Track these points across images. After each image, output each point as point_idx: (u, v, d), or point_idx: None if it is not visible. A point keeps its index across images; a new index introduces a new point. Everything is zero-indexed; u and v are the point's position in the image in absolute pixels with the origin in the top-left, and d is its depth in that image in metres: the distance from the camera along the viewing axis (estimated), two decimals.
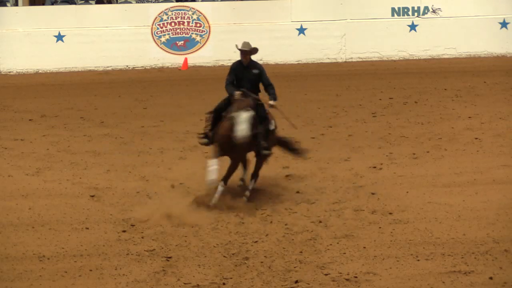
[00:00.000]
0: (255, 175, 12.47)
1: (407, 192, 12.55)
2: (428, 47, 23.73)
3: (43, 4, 24.80)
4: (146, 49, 23.62)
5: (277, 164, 12.73)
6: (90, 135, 16.54)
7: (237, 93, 12.19)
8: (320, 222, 11.46)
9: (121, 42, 23.49)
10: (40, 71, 23.46)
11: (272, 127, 12.35)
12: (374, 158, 14.41)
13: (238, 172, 12.68)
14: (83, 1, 24.70)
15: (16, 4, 24.58)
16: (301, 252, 10.52)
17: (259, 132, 11.99)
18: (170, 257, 10.46)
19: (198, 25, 23.77)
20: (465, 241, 10.67)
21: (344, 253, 10.44)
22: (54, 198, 12.68)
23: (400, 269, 9.97)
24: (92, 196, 12.76)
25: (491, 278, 9.67)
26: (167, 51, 23.74)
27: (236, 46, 12.41)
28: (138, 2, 24.53)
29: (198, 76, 22.45)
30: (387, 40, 23.64)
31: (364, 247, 10.59)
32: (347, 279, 9.75)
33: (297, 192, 12.60)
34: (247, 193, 12.28)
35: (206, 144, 12.48)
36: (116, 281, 9.88)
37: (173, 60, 23.69)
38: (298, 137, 14.74)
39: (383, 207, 11.92)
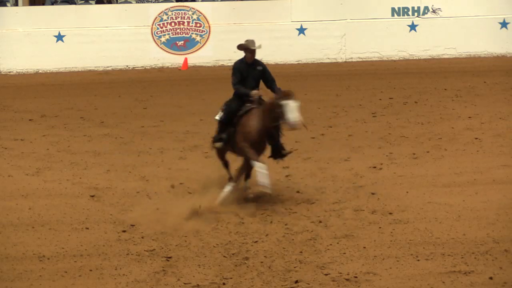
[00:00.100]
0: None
1: (407, 192, 12.55)
2: (428, 47, 23.74)
3: (43, 4, 24.80)
4: (146, 49, 23.63)
5: (277, 164, 12.72)
6: (90, 135, 16.54)
7: (254, 92, 12.22)
8: (320, 222, 11.46)
9: (121, 42, 23.49)
10: (40, 71, 23.47)
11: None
12: (374, 158, 14.41)
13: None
14: (83, 1, 24.71)
15: (16, 4, 24.59)
16: (301, 252, 10.52)
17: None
18: (170, 257, 10.46)
19: (198, 25, 23.77)
20: (465, 241, 10.67)
21: (344, 253, 10.44)
22: (54, 198, 12.68)
23: (400, 269, 9.97)
24: (92, 196, 12.76)
25: (491, 278, 9.67)
26: (167, 51, 23.74)
27: (245, 44, 12.34)
28: (138, 2, 24.53)
29: (198, 76, 22.45)
30: (387, 40, 23.65)
31: (364, 247, 10.59)
32: (347, 279, 9.75)
33: (297, 192, 12.60)
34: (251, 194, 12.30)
35: (221, 147, 12.38)
36: (116, 281, 9.88)
37: (173, 60, 23.69)
38: (298, 137, 14.77)
39: (383, 207, 11.92)
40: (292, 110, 11.84)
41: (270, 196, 11.98)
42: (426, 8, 23.82)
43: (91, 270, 10.15)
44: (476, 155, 14.39)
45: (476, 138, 15.35)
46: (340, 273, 9.90)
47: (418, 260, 10.17)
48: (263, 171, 11.81)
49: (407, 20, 23.79)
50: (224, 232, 11.22)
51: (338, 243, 10.75)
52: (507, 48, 23.60)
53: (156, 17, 23.74)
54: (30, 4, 25.27)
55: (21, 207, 12.26)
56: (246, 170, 12.33)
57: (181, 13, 23.83)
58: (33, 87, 21.59)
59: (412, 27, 23.75)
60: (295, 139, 13.96)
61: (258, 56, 12.63)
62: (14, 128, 17.24)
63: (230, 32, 23.15)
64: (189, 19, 23.81)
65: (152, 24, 23.72)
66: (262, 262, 10.27)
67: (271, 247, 10.69)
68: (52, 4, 24.41)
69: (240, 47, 12.42)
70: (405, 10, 23.83)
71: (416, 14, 23.83)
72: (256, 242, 10.87)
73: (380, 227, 11.20)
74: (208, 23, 23.74)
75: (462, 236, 10.82)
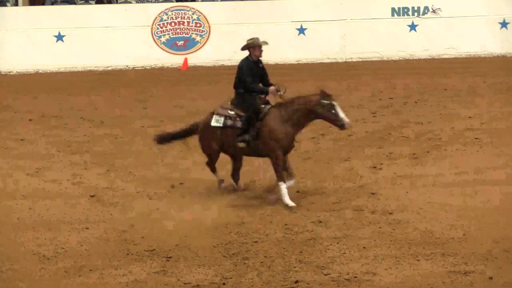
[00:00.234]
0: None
1: (407, 192, 12.54)
2: (428, 47, 23.74)
3: (43, 4, 24.81)
4: (146, 49, 23.63)
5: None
6: (90, 135, 16.54)
7: (272, 88, 12.28)
8: (320, 222, 11.46)
9: (121, 42, 23.50)
10: (40, 71, 23.47)
11: None
12: (374, 158, 14.40)
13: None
14: (83, 1, 24.71)
15: (16, 4, 24.60)
16: (301, 252, 10.51)
17: None
18: (170, 257, 10.46)
19: (198, 25, 23.77)
20: (465, 241, 10.66)
21: (344, 253, 10.43)
22: (54, 198, 12.67)
23: (400, 269, 9.96)
24: (92, 196, 12.75)
25: (491, 278, 9.67)
26: (167, 51, 23.75)
27: (254, 42, 12.34)
28: (138, 2, 24.54)
29: (198, 76, 22.44)
30: (387, 40, 23.65)
31: (364, 247, 10.58)
32: (347, 279, 9.75)
33: (297, 192, 12.59)
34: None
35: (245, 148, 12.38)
36: (116, 281, 9.87)
37: (173, 60, 23.70)
38: (298, 137, 14.76)
39: (383, 207, 11.92)
40: (341, 110, 12.06)
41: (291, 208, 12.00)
42: (426, 8, 23.82)
43: (91, 270, 10.14)
44: (476, 155, 14.38)
45: (476, 138, 15.34)
46: (340, 273, 9.90)
47: (418, 260, 10.17)
48: (286, 191, 11.99)
49: (407, 20, 23.79)
50: (224, 232, 11.22)
51: (338, 243, 10.74)
52: (507, 48, 23.60)
53: (156, 17, 23.74)
54: (30, 4, 25.28)
55: (21, 207, 12.26)
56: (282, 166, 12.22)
57: (181, 13, 23.83)
58: (33, 87, 21.59)
59: (412, 27, 23.76)
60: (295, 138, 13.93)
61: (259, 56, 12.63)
62: (14, 128, 17.24)
63: (230, 32, 23.15)
64: (189, 19, 23.81)
65: (152, 24, 23.73)
66: (262, 262, 10.27)
67: (271, 247, 10.69)
68: (52, 4, 24.42)
69: (247, 45, 12.38)
70: (405, 10, 23.84)
71: (416, 14, 23.83)
72: (256, 242, 10.87)
73: (380, 227, 11.20)
74: (208, 23, 23.74)
75: (462, 236, 10.82)
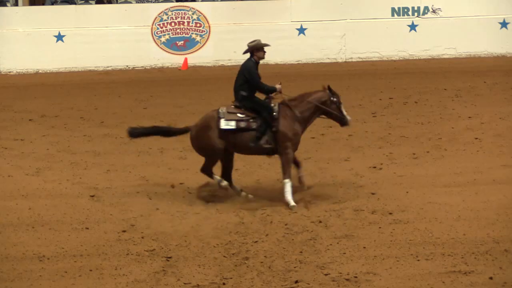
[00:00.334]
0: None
1: (407, 192, 12.55)
2: (428, 47, 23.75)
3: (43, 4, 24.82)
4: (146, 49, 23.64)
5: (277, 164, 12.72)
6: (90, 135, 16.54)
7: (279, 86, 12.42)
8: (320, 222, 11.46)
9: (121, 42, 23.50)
10: (40, 71, 23.48)
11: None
12: (374, 158, 14.41)
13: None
14: (83, 1, 24.72)
15: (16, 4, 24.61)
16: (301, 252, 10.52)
17: None
18: (170, 257, 10.46)
19: (198, 25, 23.77)
20: (465, 241, 10.67)
21: (344, 253, 10.44)
22: (54, 198, 12.68)
23: (400, 269, 9.97)
24: (92, 196, 12.76)
25: (491, 278, 9.67)
26: (167, 51, 23.75)
27: (260, 44, 12.40)
28: (138, 2, 24.54)
29: (198, 76, 22.45)
30: (387, 40, 23.66)
31: (364, 247, 10.59)
32: (347, 279, 9.75)
33: (297, 192, 12.59)
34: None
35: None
36: (116, 281, 9.88)
37: (173, 60, 23.70)
38: None
39: (383, 207, 11.92)
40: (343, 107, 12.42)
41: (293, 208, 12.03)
42: (426, 8, 23.83)
43: (91, 270, 10.15)
44: (476, 155, 14.39)
45: (476, 138, 15.35)
46: (340, 273, 9.90)
47: (418, 260, 10.17)
48: (290, 189, 12.09)
49: (407, 20, 23.80)
50: (224, 232, 11.22)
51: (338, 243, 10.75)
52: (507, 48, 23.61)
53: (156, 17, 23.75)
54: (30, 4, 25.29)
55: (21, 207, 12.26)
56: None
57: (181, 13, 23.83)
58: (33, 87, 21.60)
59: (412, 27, 23.76)
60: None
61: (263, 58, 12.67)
62: (14, 128, 17.25)
63: (230, 32, 23.16)
64: (189, 19, 23.81)
65: (152, 24, 23.73)
66: (262, 262, 10.27)
67: (271, 247, 10.69)
68: (52, 4, 24.43)
69: (252, 48, 12.39)
70: (405, 10, 23.85)
71: (416, 14, 23.84)
72: (256, 242, 10.87)
73: (380, 227, 11.20)
74: (208, 23, 23.75)
75: (462, 236, 10.82)
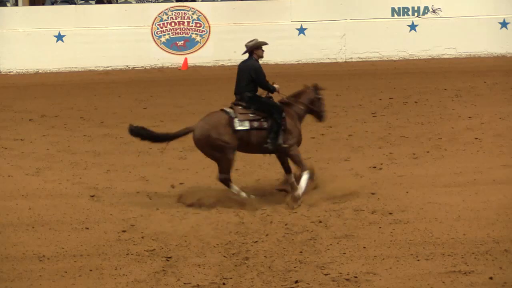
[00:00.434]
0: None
1: (407, 192, 12.55)
2: (428, 47, 23.76)
3: (43, 4, 24.82)
4: (146, 49, 23.65)
5: (277, 163, 12.72)
6: (90, 135, 16.54)
7: (278, 86, 12.54)
8: (320, 222, 11.46)
9: (121, 42, 23.51)
10: (40, 71, 23.49)
11: None
12: (374, 158, 14.40)
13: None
14: (83, 1, 24.73)
15: (16, 4, 24.62)
16: (301, 252, 10.52)
17: None
18: (170, 257, 10.46)
19: (198, 25, 23.78)
20: (465, 241, 10.66)
21: (344, 253, 10.43)
22: (54, 198, 12.67)
23: (400, 269, 9.96)
24: (92, 196, 12.76)
25: (491, 278, 9.67)
26: (167, 51, 23.76)
27: (259, 43, 12.43)
28: (138, 2, 24.55)
29: (198, 76, 22.46)
30: (387, 40, 23.67)
31: (364, 247, 10.59)
32: (347, 279, 9.75)
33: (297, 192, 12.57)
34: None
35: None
36: (116, 281, 9.87)
37: (173, 60, 23.71)
38: None
39: (383, 207, 11.92)
40: None
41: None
42: (426, 8, 23.84)
43: (91, 270, 10.15)
44: (476, 155, 14.39)
45: (476, 138, 15.35)
46: (340, 273, 9.90)
47: (418, 260, 10.17)
48: (307, 182, 12.21)
49: (407, 20, 23.81)
50: (224, 232, 11.22)
51: (338, 243, 10.75)
52: (507, 48, 23.62)
53: (156, 17, 23.75)
54: (30, 4, 25.30)
55: (21, 207, 12.25)
56: None
57: (181, 13, 23.84)
58: (33, 87, 21.60)
59: (412, 27, 23.77)
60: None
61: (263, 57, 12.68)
62: (14, 128, 17.25)
63: (230, 32, 23.16)
64: (189, 19, 23.82)
65: (152, 24, 23.74)
66: (262, 262, 10.27)
67: (271, 247, 10.69)
68: (52, 4, 24.43)
69: (254, 46, 12.40)
70: (405, 10, 23.85)
71: (416, 14, 23.84)
72: (256, 242, 10.87)
73: (380, 227, 11.20)
74: (208, 23, 23.75)
75: (462, 236, 10.82)
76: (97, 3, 24.66)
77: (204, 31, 23.74)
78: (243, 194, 12.17)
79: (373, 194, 12.49)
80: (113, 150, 15.44)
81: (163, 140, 12.51)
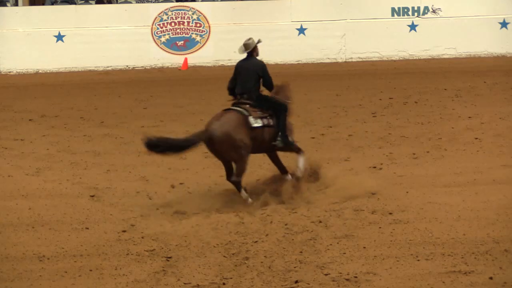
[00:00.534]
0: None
1: (407, 192, 12.54)
2: (428, 47, 23.76)
3: (43, 4, 24.82)
4: (146, 49, 23.65)
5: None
6: (90, 135, 16.54)
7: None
8: (320, 222, 11.46)
9: (121, 42, 23.51)
10: (40, 71, 23.49)
11: None
12: (374, 158, 14.40)
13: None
14: (83, 1, 24.73)
15: (16, 4, 24.62)
16: (301, 252, 10.52)
17: None
18: (170, 257, 10.46)
19: (198, 25, 23.78)
20: (465, 241, 10.66)
21: (344, 253, 10.43)
22: (54, 198, 12.67)
23: (400, 269, 9.96)
24: (92, 196, 12.75)
25: (491, 278, 9.67)
26: (167, 51, 23.76)
27: (255, 41, 12.47)
28: (138, 2, 24.55)
29: (198, 76, 22.46)
30: (387, 40, 23.67)
31: (364, 247, 10.58)
32: (347, 279, 9.74)
33: (297, 191, 12.58)
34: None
35: None
36: (116, 281, 9.87)
37: (173, 60, 23.71)
38: (299, 137, 14.76)
39: (383, 207, 11.92)
40: None
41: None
42: (426, 8, 23.84)
43: (91, 270, 10.14)
44: (476, 155, 14.39)
45: (476, 138, 15.35)
46: (340, 273, 9.90)
47: (418, 260, 10.17)
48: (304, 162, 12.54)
49: (407, 20, 23.81)
50: (224, 232, 11.22)
51: (338, 243, 10.74)
52: (507, 48, 23.62)
53: (156, 17, 23.76)
54: (30, 4, 25.30)
55: (21, 207, 12.25)
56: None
57: (181, 13, 23.84)
58: (33, 87, 21.60)
59: (412, 27, 23.77)
60: (295, 139, 13.93)
61: (259, 55, 12.68)
62: (14, 128, 17.25)
63: (230, 32, 23.16)
64: (189, 19, 23.82)
65: (152, 24, 23.74)
66: (262, 262, 10.27)
67: (271, 247, 10.69)
68: (52, 4, 24.44)
69: (255, 45, 12.45)
70: (405, 10, 23.85)
71: (416, 14, 23.85)
72: (256, 242, 10.87)
73: (380, 227, 11.20)
74: (208, 23, 23.75)
75: (462, 236, 10.82)
76: (97, 3, 24.65)
77: (204, 31, 23.74)
78: (250, 200, 12.14)
79: (373, 194, 12.48)
80: (113, 150, 15.44)
81: (184, 147, 12.15)
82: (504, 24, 23.63)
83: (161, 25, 23.73)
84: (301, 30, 23.61)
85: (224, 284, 9.74)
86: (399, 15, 23.82)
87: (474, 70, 21.87)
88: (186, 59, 23.56)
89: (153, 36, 23.70)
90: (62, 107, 19.11)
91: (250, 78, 12.27)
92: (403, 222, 11.34)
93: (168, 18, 23.77)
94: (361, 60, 23.63)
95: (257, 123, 12.14)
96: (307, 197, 12.19)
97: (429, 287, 9.55)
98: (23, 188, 13.12)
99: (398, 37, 23.70)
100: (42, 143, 15.96)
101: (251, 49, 12.39)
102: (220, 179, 13.06)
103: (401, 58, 23.73)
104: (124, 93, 20.60)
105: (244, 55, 12.48)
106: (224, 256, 10.46)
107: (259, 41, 12.54)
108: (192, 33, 23.79)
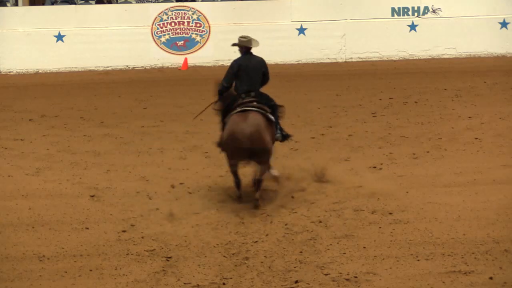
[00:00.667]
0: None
1: (407, 192, 12.54)
2: (428, 47, 23.75)
3: (43, 4, 24.81)
4: (146, 49, 23.64)
5: (277, 163, 12.73)
6: (90, 135, 16.54)
7: None
8: (320, 222, 11.46)
9: (121, 42, 23.50)
10: (40, 71, 23.47)
11: None
12: (374, 158, 14.40)
13: None
14: (83, 1, 24.72)
15: (16, 4, 24.60)
16: (301, 252, 10.52)
17: None
18: (170, 257, 10.46)
19: (198, 25, 23.77)
20: (465, 241, 10.67)
21: (344, 253, 10.44)
22: (54, 198, 12.67)
23: (400, 269, 9.97)
24: (92, 196, 12.75)
25: (491, 278, 9.67)
26: (167, 51, 23.75)
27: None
28: (138, 2, 24.54)
29: (198, 76, 22.45)
30: (387, 40, 23.66)
31: (364, 247, 10.59)
32: (347, 279, 9.75)
33: (298, 191, 12.59)
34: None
35: None
36: (116, 281, 9.88)
37: (173, 60, 23.70)
38: (299, 137, 14.77)
39: (383, 207, 11.92)
40: None
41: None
42: (426, 8, 23.83)
43: (91, 270, 10.15)
44: (476, 155, 14.39)
45: (476, 138, 15.35)
46: (340, 273, 9.90)
47: (418, 260, 10.17)
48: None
49: (407, 20, 23.80)
50: (224, 232, 11.22)
51: (338, 243, 10.75)
52: (507, 48, 23.61)
53: (156, 17, 23.75)
54: (30, 4, 25.29)
55: (21, 207, 12.25)
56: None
57: (181, 13, 23.83)
58: (33, 87, 21.59)
59: (412, 27, 23.76)
60: (295, 139, 13.95)
61: (259, 55, 12.69)
62: (14, 128, 17.24)
63: (230, 32, 23.12)
64: (189, 19, 23.81)
65: (152, 24, 23.73)
66: (262, 262, 10.27)
67: (271, 247, 10.69)
68: (52, 4, 24.42)
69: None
70: (405, 10, 23.84)
71: (416, 14, 23.84)
72: (256, 242, 10.87)
73: (380, 227, 11.20)
74: (208, 23, 23.75)
75: (462, 236, 10.82)
76: (97, 3, 24.65)
77: (204, 31, 23.74)
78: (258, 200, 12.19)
79: (373, 194, 12.48)
80: (113, 150, 15.44)
81: None
82: (504, 24, 23.62)
83: (161, 25, 23.72)
84: (301, 30, 23.60)
85: (224, 284, 9.74)
86: (399, 15, 23.81)
87: (474, 70, 21.87)
88: (186, 59, 23.55)
89: (153, 36, 23.69)
90: (62, 107, 19.11)
91: (256, 75, 12.32)
92: (403, 222, 11.34)
93: (168, 18, 23.76)
94: (361, 60, 23.63)
95: (272, 118, 12.24)
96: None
97: (429, 287, 9.56)
98: (23, 188, 13.12)
99: (398, 37, 23.68)
100: (42, 143, 15.96)
101: (250, 48, 12.44)
102: (220, 179, 13.07)
103: (401, 58, 23.72)
104: (124, 93, 20.59)
105: (239, 54, 12.58)
106: (224, 256, 10.46)
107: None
108: (192, 33, 23.78)
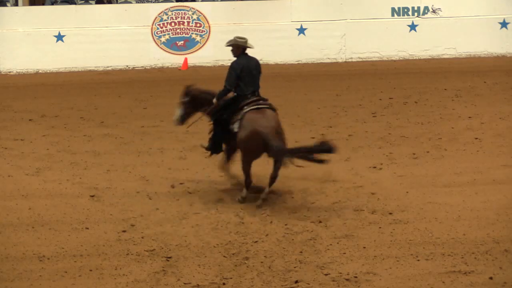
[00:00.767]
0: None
1: (407, 192, 12.55)
2: (428, 47, 23.76)
3: (43, 4, 24.82)
4: (146, 49, 23.64)
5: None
6: (90, 135, 16.54)
7: None
8: (320, 222, 11.46)
9: (121, 42, 23.50)
10: (40, 71, 23.48)
11: None
12: (374, 158, 14.41)
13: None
14: (83, 1, 24.73)
15: (16, 4, 24.61)
16: (301, 252, 10.52)
17: None
18: (170, 257, 10.46)
19: (198, 25, 23.77)
20: (465, 241, 10.67)
21: (344, 253, 10.44)
22: (54, 198, 12.67)
23: (400, 269, 9.97)
24: (92, 196, 12.75)
25: (491, 278, 9.67)
26: (167, 51, 23.75)
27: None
28: (138, 2, 24.55)
29: (198, 76, 22.44)
30: (387, 40, 23.66)
31: (364, 247, 10.59)
32: (347, 279, 9.75)
33: (297, 192, 12.59)
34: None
35: None
36: (116, 281, 9.88)
37: (173, 60, 23.70)
38: (298, 137, 14.76)
39: (383, 207, 11.92)
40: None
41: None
42: (426, 8, 23.83)
43: (91, 270, 10.15)
44: (476, 155, 14.39)
45: (476, 138, 15.35)
46: (340, 273, 9.91)
47: (418, 260, 10.18)
48: None
49: (407, 20, 23.80)
50: (224, 232, 11.22)
51: (338, 243, 10.75)
52: (507, 48, 23.62)
53: (156, 17, 23.75)
54: (30, 4, 25.29)
55: (21, 207, 12.25)
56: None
57: (181, 13, 23.84)
58: (33, 87, 21.59)
59: (412, 27, 23.76)
60: (295, 139, 13.95)
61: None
62: (14, 128, 17.24)
63: (230, 32, 23.06)
64: (189, 19, 23.81)
65: (152, 24, 23.73)
66: (262, 262, 10.27)
67: (271, 247, 10.69)
68: (52, 4, 24.43)
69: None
70: (405, 10, 23.85)
71: (416, 14, 23.84)
72: (256, 242, 10.87)
73: (380, 227, 11.20)
74: (208, 23, 23.75)
75: (462, 236, 10.82)
76: (97, 3, 24.65)
77: (204, 31, 23.74)
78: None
79: (373, 194, 12.49)
80: (113, 150, 15.44)
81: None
82: (504, 24, 23.62)
83: (161, 25, 23.73)
84: (301, 30, 23.60)
85: (224, 284, 9.74)
86: (399, 15, 23.81)
87: (474, 70, 21.87)
88: (186, 59, 23.55)
89: (153, 36, 23.69)
90: (62, 107, 19.11)
91: (257, 76, 12.45)
92: (403, 222, 11.34)
93: (168, 18, 23.76)
94: (361, 60, 23.63)
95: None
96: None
97: (429, 287, 9.56)
98: (23, 188, 13.12)
99: (398, 37, 23.69)
100: (42, 143, 15.96)
101: (246, 48, 12.51)
102: (220, 179, 13.07)
103: (401, 58, 23.73)
104: (124, 93, 20.59)
105: (231, 53, 12.65)
106: (224, 256, 10.46)
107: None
108: (192, 33, 23.78)
